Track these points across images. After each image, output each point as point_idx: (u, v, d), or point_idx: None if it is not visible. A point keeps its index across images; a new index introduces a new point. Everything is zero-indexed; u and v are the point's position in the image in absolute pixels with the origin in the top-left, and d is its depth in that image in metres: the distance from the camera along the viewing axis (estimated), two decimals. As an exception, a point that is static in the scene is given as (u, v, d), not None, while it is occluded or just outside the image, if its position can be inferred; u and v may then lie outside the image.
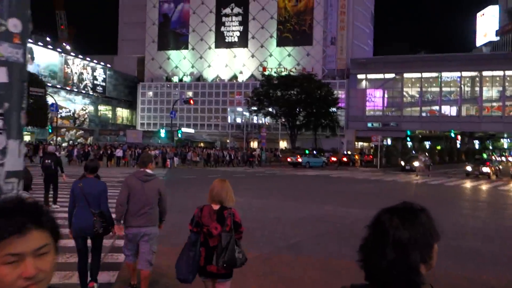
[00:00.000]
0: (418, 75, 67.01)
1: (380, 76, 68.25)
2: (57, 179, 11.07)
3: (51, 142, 48.14)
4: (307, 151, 39.79)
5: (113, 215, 4.93)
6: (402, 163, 31.22)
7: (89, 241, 4.93)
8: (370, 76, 69.33)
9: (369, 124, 67.32)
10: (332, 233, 9.05)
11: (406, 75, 67.43)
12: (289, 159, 34.41)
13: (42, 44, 61.58)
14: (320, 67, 70.31)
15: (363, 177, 25.02)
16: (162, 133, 41.09)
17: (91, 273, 4.89)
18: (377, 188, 19.19)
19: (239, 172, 27.87)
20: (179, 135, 41.52)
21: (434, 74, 65.88)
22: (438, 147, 62.35)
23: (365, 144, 73.06)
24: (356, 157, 38.92)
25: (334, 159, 38.56)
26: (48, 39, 67.05)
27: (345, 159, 36.19)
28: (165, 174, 23.17)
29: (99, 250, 5.05)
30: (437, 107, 66.14)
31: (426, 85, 67.95)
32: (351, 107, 66.82)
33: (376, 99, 69.98)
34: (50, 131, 42.48)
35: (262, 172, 27.90)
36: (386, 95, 68.81)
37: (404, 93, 67.99)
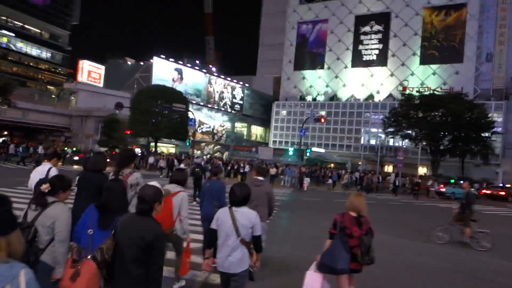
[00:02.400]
0: None
1: (550, 97, 57.27)
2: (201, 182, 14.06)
3: (197, 154, 52.41)
4: (452, 180, 34.54)
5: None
6: None
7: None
8: (536, 97, 58.71)
9: (534, 153, 56.65)
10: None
11: None
12: (431, 188, 30.12)
13: (190, 66, 67.76)
14: (472, 86, 62.35)
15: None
16: (291, 151, 40.51)
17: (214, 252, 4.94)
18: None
19: (378, 199, 25.28)
20: (308, 154, 40.40)
21: None
22: None
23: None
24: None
25: (487, 191, 32.67)
26: (197, 62, 73.57)
27: (502, 192, 30.19)
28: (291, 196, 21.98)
29: None
30: None
31: None
32: (509, 133, 57.30)
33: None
34: (187, 144, 45.56)
35: (397, 201, 24.77)
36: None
37: None
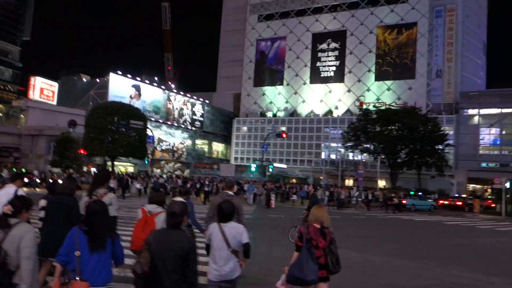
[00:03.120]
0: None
1: (496, 110, 60.57)
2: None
3: (157, 173, 50.81)
4: (412, 192, 35.30)
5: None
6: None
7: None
8: (483, 111, 61.93)
9: (483, 164, 59.46)
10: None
11: (528, 109, 58.88)
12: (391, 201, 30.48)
13: (148, 82, 66.30)
14: (424, 101, 64.97)
15: (487, 227, 20.67)
16: (253, 167, 40.05)
17: None
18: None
19: (341, 213, 25.20)
20: (270, 170, 40.12)
21: None
22: None
23: (477, 186, 64.55)
24: (475, 201, 33.40)
25: (445, 202, 33.55)
26: (156, 78, 72.11)
27: (459, 202, 31.12)
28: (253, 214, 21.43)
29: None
30: None
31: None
32: (460, 145, 59.90)
33: (491, 136, 62.03)
34: (146, 162, 44.06)
35: (360, 215, 24.81)
36: (504, 132, 60.64)
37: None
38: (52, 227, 4.89)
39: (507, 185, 27.23)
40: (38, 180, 32.06)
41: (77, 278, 3.33)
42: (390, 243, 13.62)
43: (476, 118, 62.97)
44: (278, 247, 11.08)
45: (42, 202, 5.60)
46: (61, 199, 5.07)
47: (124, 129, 37.28)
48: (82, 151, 40.93)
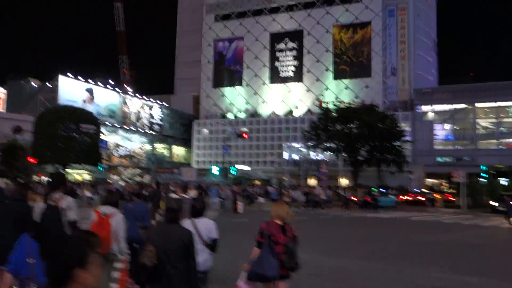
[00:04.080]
0: (492, 104, 60.94)
1: (449, 106, 62.89)
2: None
3: (114, 180, 48.44)
4: (374, 189, 35.53)
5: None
6: (492, 203, 26.29)
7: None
8: (437, 106, 64.16)
9: (439, 159, 61.49)
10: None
11: (478, 104, 61.54)
12: (354, 198, 30.41)
13: (102, 85, 63.41)
14: (381, 99, 66.32)
15: (452, 221, 20.82)
16: (215, 170, 38.92)
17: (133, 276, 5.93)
18: (485, 237, 15.16)
19: (306, 214, 24.69)
20: (233, 172, 39.19)
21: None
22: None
23: (434, 181, 66.73)
24: (437, 196, 34.00)
25: (407, 197, 33.93)
26: (111, 81, 69.14)
27: (421, 198, 31.53)
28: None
29: None
30: (517, 139, 59.24)
31: (501, 115, 61.55)
32: (417, 141, 61.60)
33: (445, 132, 64.36)
34: (100, 169, 41.88)
35: (325, 214, 24.42)
36: (456, 127, 63.07)
37: (477, 125, 61.80)
38: (0, 234, 4.54)
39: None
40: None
41: (33, 286, 3.25)
42: (361, 244, 13.13)
43: (430, 115, 65.08)
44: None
45: None
46: (10, 205, 4.83)
47: (76, 134, 35.12)
48: (31, 159, 38.41)
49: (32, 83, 69.12)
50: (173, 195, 6.02)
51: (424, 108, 64.86)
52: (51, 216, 3.62)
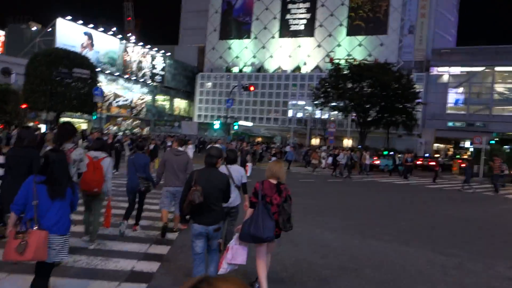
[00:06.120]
0: (512, 68, 57.48)
1: (466, 69, 59.45)
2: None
3: (113, 130, 46.57)
4: (385, 152, 33.37)
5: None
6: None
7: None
8: (453, 69, 60.72)
9: (450, 124, 58.94)
10: None
11: (497, 68, 58.08)
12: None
13: (102, 30, 60.20)
14: (395, 58, 62.83)
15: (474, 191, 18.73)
16: (217, 124, 36.81)
17: (136, 218, 6.96)
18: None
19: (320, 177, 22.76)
20: (235, 128, 37.13)
21: (534, 67, 56.07)
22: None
23: (441, 145, 64.57)
24: (455, 162, 31.81)
25: (416, 162, 31.75)
26: (114, 29, 65.73)
27: (432, 163, 29.37)
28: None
29: (142, 203, 7.07)
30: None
31: (521, 80, 58.26)
32: (429, 104, 58.79)
33: (459, 95, 61.36)
34: (94, 118, 39.88)
35: (329, 177, 22.43)
36: (472, 91, 59.99)
37: (494, 90, 58.64)
38: (15, 180, 4.58)
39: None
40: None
41: (35, 227, 3.38)
42: (366, 215, 11.17)
43: (445, 77, 61.80)
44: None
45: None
46: (21, 152, 4.93)
47: (69, 80, 32.81)
48: (24, 106, 36.47)
49: (34, 27, 66.27)
50: (217, 144, 5.90)
51: (440, 69, 61.51)
52: (57, 158, 3.58)
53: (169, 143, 19.72)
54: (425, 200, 15.23)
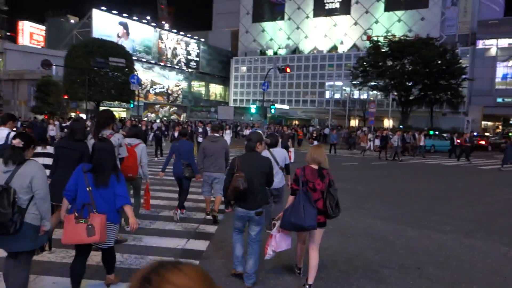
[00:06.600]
0: None
1: (517, 41, 55.53)
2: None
3: (151, 118, 47.07)
4: (431, 132, 31.63)
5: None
6: None
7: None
8: (501, 41, 56.90)
9: (499, 100, 55.54)
10: None
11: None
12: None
13: (136, 19, 60.72)
14: (437, 32, 59.52)
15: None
16: (253, 108, 36.27)
17: (180, 204, 7.03)
18: None
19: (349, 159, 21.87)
20: (272, 112, 36.45)
21: None
22: None
23: (489, 123, 61.09)
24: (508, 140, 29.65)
25: (481, 142, 29.27)
26: (148, 17, 66.17)
27: (482, 142, 27.46)
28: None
29: (187, 189, 7.11)
30: None
31: None
32: (475, 80, 55.54)
33: (508, 69, 57.53)
34: (131, 106, 40.34)
35: (373, 160, 21.39)
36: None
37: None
38: (64, 171, 4.53)
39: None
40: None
41: (94, 211, 3.50)
42: (423, 204, 10.26)
43: (493, 50, 58.08)
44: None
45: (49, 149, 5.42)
46: (74, 144, 4.91)
47: (107, 69, 33.18)
48: (64, 96, 37.49)
49: (72, 20, 67.97)
50: (257, 129, 6.17)
51: (487, 42, 57.75)
52: (103, 147, 3.64)
53: (200, 130, 19.34)
54: (483, 183, 14.04)
